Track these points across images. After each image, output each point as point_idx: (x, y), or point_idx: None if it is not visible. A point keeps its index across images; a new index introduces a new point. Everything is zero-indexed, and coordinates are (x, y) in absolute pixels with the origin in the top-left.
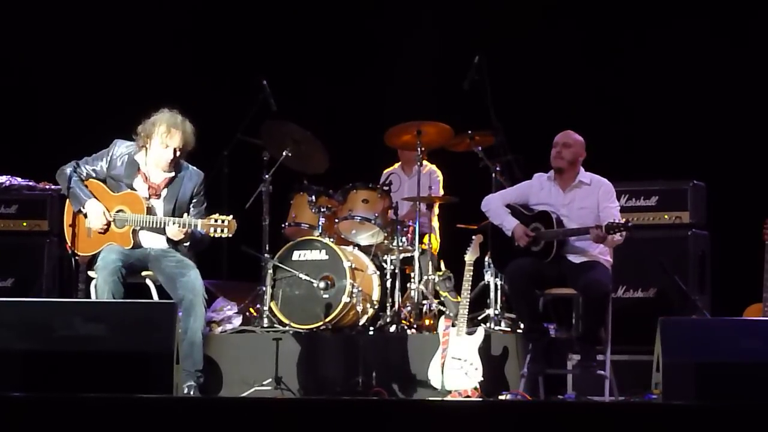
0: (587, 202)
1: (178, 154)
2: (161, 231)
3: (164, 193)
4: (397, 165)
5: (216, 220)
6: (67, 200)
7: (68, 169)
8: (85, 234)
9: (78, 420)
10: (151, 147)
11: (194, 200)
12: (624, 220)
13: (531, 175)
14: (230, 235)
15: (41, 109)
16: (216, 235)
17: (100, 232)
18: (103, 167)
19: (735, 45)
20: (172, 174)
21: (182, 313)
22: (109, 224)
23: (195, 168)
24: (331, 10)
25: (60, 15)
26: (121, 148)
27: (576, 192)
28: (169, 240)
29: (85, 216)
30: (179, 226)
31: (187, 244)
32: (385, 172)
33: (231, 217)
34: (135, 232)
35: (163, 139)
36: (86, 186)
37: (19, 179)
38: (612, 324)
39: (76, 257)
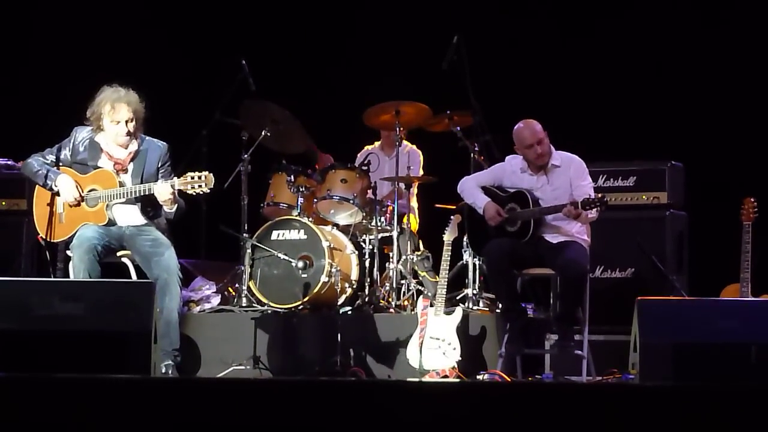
0: (560, 182)
1: (131, 126)
2: (133, 201)
3: (130, 167)
4: (377, 143)
5: (192, 177)
6: (36, 190)
7: (32, 159)
8: (57, 220)
9: (54, 400)
10: (104, 127)
11: (161, 171)
12: (600, 195)
13: (509, 155)
14: (208, 190)
15: (19, 89)
16: (195, 192)
17: (72, 205)
18: (67, 155)
19: (712, 24)
20: (135, 148)
21: (157, 292)
22: (82, 198)
23: (157, 140)
24: None
25: None
26: (81, 133)
27: (549, 175)
28: (145, 213)
29: (57, 194)
30: (163, 185)
31: (174, 208)
32: (365, 149)
33: (207, 171)
34: (109, 208)
35: (110, 116)
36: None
37: None
38: (590, 304)
39: (50, 244)
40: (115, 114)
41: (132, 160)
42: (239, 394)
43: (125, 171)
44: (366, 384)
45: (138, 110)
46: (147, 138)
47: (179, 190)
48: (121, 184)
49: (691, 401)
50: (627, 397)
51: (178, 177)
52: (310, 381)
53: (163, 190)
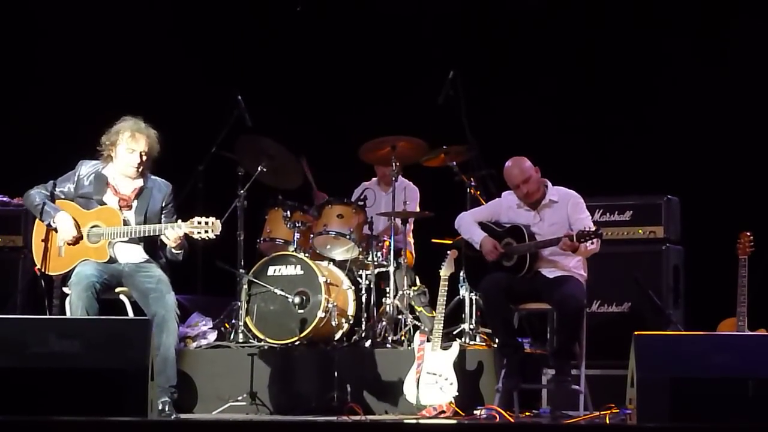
0: (557, 217)
1: (144, 158)
2: (136, 241)
3: (135, 204)
4: (373, 179)
5: (199, 222)
6: (36, 222)
7: (34, 191)
8: (56, 253)
9: None
10: (117, 155)
11: (164, 211)
12: (595, 227)
13: (505, 191)
14: (214, 236)
15: (15, 125)
16: (200, 237)
17: (70, 244)
18: (71, 188)
19: (708, 61)
20: (141, 184)
21: (155, 329)
22: (80, 237)
23: (163, 179)
24: (305, 25)
25: (36, 28)
26: (87, 167)
27: (545, 210)
28: (147, 251)
29: (56, 231)
30: (173, 229)
31: (180, 251)
32: (361, 185)
33: (214, 218)
34: (111, 245)
35: (128, 144)
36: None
37: None
38: (586, 339)
39: (47, 277)
40: (133, 142)
41: (137, 197)
42: None
43: (129, 207)
44: (363, 426)
45: (154, 148)
46: (152, 177)
47: (184, 234)
48: (125, 221)
49: None
50: None
51: (183, 220)
52: (307, 422)
53: (174, 235)
